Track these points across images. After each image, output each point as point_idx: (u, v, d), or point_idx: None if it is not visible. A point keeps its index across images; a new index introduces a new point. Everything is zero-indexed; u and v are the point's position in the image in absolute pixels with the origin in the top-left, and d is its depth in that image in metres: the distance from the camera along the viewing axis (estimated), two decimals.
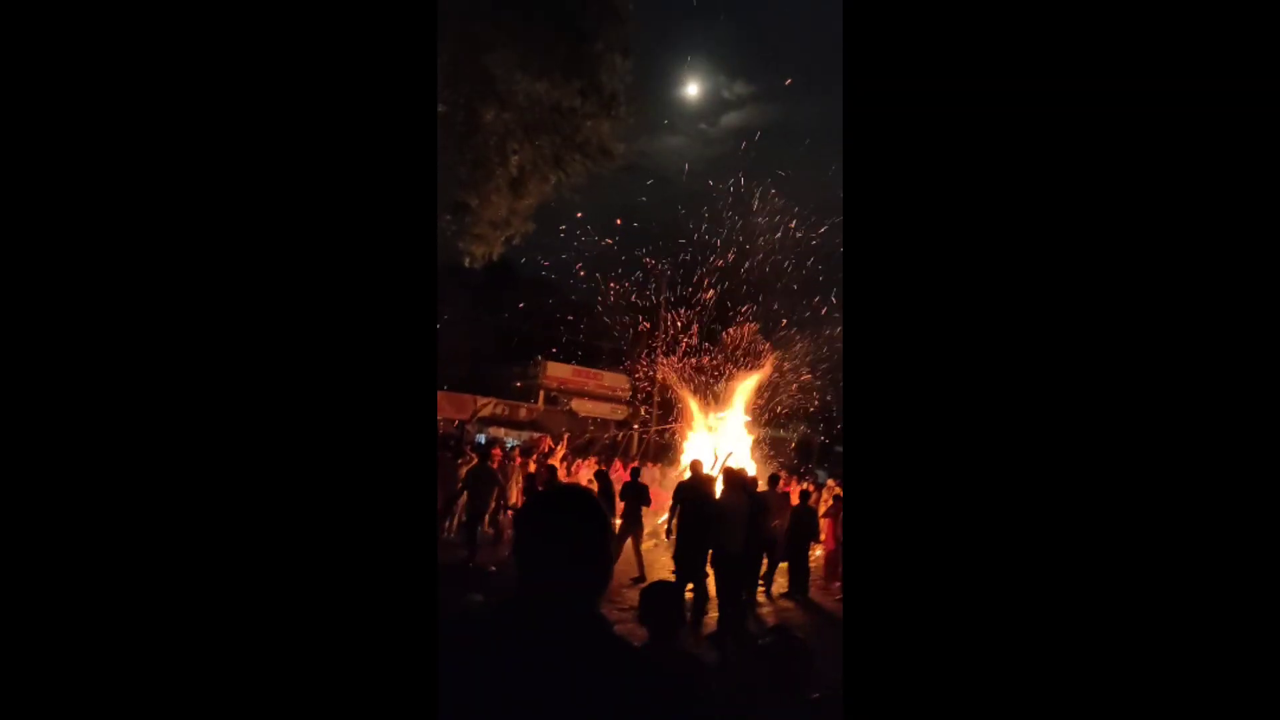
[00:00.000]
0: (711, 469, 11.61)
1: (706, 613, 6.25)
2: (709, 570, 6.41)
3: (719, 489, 6.59)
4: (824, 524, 8.11)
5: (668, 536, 6.84)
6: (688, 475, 7.03)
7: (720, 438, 12.40)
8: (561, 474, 12.16)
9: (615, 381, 16.08)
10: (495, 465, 9.38)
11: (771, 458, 12.61)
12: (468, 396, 16.27)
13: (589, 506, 1.01)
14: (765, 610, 6.79)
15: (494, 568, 7.18)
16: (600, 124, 8.31)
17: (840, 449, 18.01)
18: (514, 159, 8.05)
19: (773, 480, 7.97)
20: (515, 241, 9.10)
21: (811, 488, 10.01)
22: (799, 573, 7.31)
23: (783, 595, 7.25)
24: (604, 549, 1.02)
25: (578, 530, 0.98)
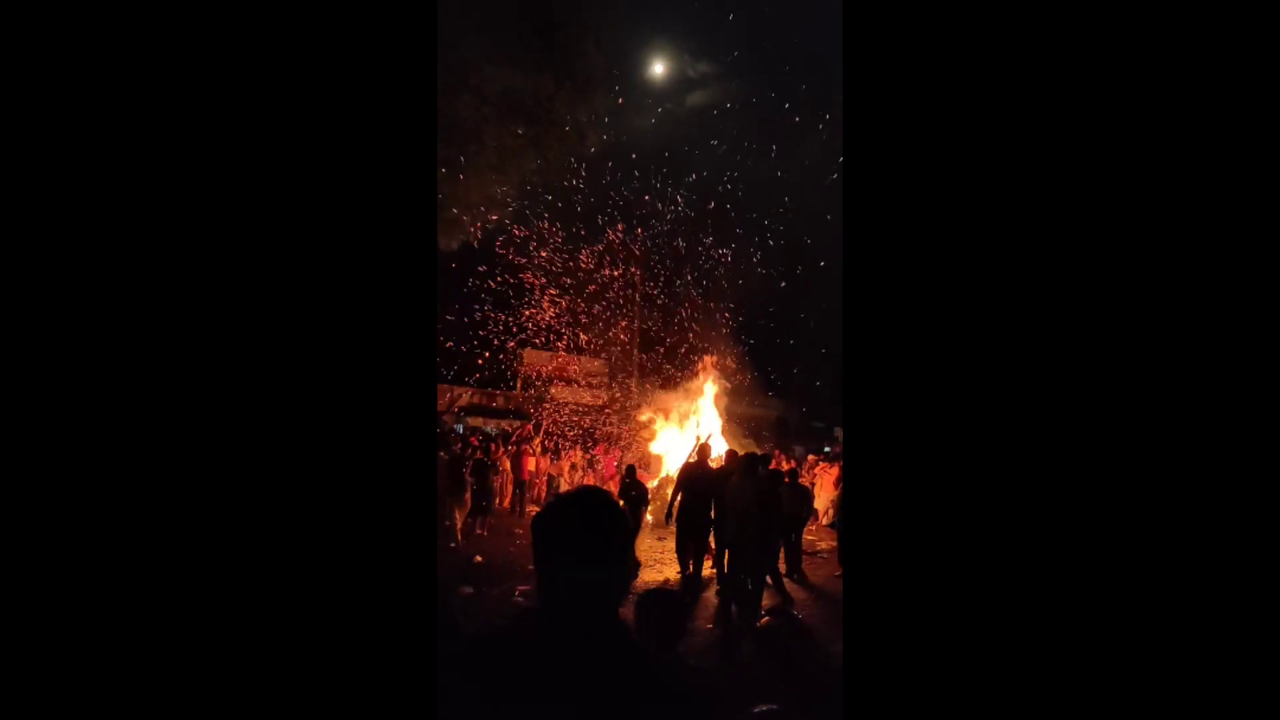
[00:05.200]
0: (692, 451, 11.58)
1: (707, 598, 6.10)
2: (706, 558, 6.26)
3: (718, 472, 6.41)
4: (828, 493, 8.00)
5: (667, 522, 6.70)
6: (693, 458, 6.92)
7: (699, 419, 12.40)
8: (545, 465, 12.26)
9: (594, 367, 16.04)
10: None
11: (748, 436, 12.63)
12: (443, 386, 16.10)
13: (609, 511, 0.99)
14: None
15: (479, 558, 7.08)
16: (575, 109, 8.18)
17: (817, 425, 18.22)
18: (488, 146, 7.89)
19: (764, 460, 7.89)
20: (487, 227, 8.98)
21: (795, 465, 10.02)
22: (792, 552, 7.24)
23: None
24: (626, 553, 1.00)
25: (600, 535, 0.96)
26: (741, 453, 6.75)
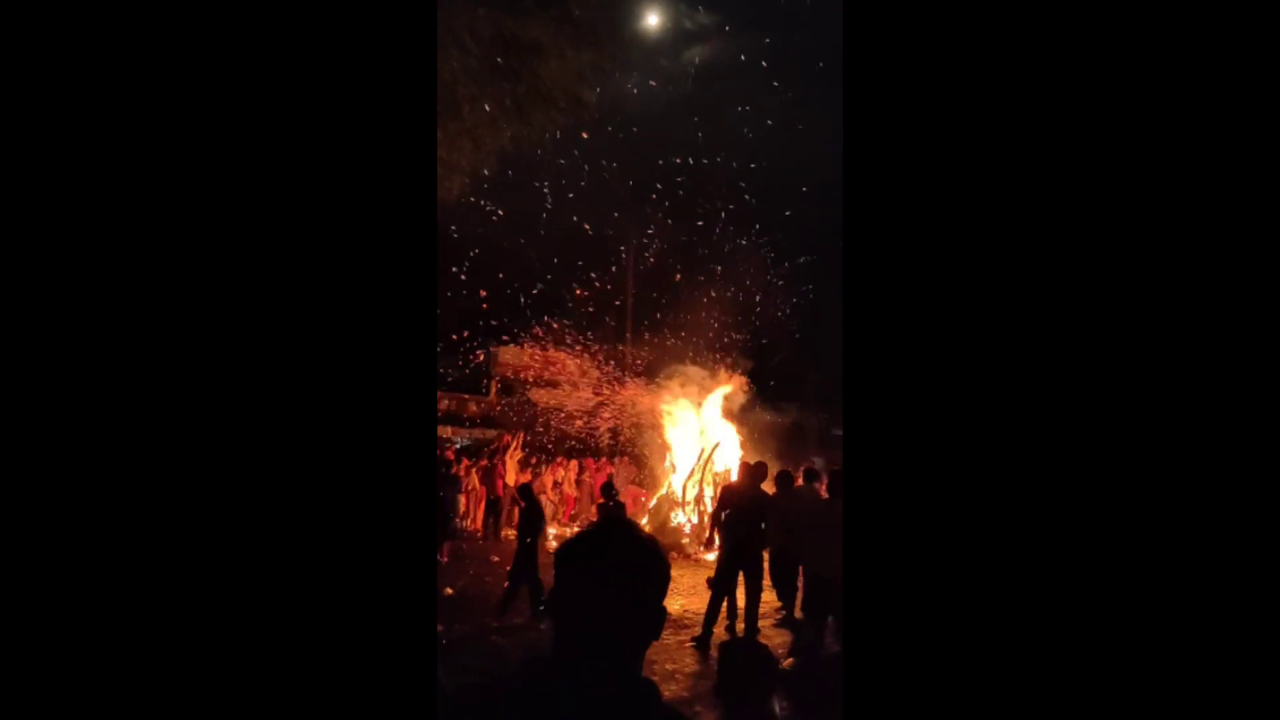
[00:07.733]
0: (697, 465, 10.18)
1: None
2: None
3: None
4: None
5: (706, 548, 5.74)
6: (734, 477, 5.98)
7: (705, 428, 11.03)
8: (528, 478, 10.66)
9: (579, 366, 14.47)
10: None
11: (763, 446, 11.16)
12: None
13: (642, 548, 0.85)
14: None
15: (450, 590, 6.06)
16: (568, 64, 6.83)
17: (838, 433, 16.74)
18: (465, 108, 6.50)
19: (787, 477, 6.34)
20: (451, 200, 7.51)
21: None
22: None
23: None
24: (660, 598, 0.86)
25: (631, 576, 0.83)
26: (768, 466, 6.12)
